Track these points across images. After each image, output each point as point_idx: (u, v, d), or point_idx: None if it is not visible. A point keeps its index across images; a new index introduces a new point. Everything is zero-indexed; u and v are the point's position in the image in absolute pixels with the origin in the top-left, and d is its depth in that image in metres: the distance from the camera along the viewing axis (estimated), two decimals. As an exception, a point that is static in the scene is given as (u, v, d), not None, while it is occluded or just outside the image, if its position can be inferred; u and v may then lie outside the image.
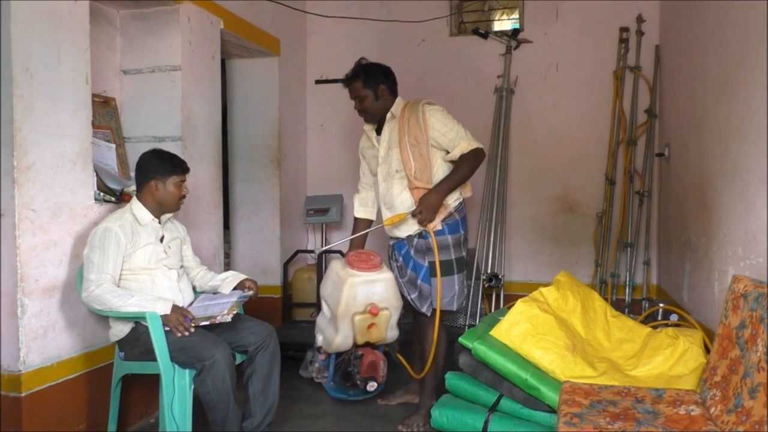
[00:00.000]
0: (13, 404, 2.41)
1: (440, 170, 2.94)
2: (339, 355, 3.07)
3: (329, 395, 3.31)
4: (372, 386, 3.06)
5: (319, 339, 3.08)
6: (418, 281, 2.97)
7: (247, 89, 4.60)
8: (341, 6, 4.86)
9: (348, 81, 2.99)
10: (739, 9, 2.73)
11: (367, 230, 3.20)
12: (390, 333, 3.05)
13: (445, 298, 2.96)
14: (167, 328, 2.48)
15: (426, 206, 2.84)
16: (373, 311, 2.90)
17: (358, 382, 3.06)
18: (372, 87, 2.94)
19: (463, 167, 2.88)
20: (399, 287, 3.05)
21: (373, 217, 3.23)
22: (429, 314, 2.97)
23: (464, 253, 3.03)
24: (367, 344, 3.06)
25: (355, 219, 3.27)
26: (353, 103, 3.05)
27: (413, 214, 2.88)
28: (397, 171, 2.95)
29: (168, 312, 2.48)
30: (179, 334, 2.46)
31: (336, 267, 3.04)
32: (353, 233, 3.25)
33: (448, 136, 2.88)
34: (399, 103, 3.01)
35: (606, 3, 4.61)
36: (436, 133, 2.89)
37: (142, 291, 2.58)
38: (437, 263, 2.89)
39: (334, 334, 2.95)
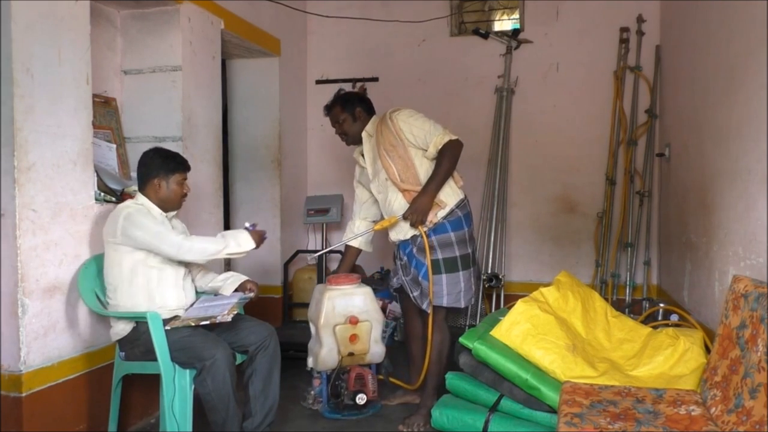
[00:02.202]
0: (14, 404, 2.40)
1: (424, 168, 2.99)
2: (330, 379, 3.12)
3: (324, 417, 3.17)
4: (361, 398, 3.06)
5: (310, 361, 3.16)
6: (419, 278, 3.00)
7: (248, 89, 4.60)
8: (341, 6, 4.87)
9: (328, 109, 3.17)
10: (739, 9, 2.73)
11: (358, 238, 3.24)
12: (375, 347, 3.12)
13: (450, 296, 2.97)
14: (167, 328, 2.48)
15: (414, 209, 2.90)
16: (352, 320, 3.04)
17: (345, 395, 3.07)
18: (350, 111, 3.11)
19: (444, 162, 2.93)
20: (403, 286, 3.10)
21: (361, 246, 3.28)
22: (429, 312, 2.98)
23: (470, 250, 3.05)
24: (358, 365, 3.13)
25: (346, 246, 3.31)
26: None
27: (404, 217, 2.95)
28: (386, 179, 3.04)
29: (255, 244, 2.71)
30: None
31: (318, 288, 3.26)
32: (342, 259, 3.34)
33: (419, 135, 2.96)
34: (374, 121, 3.13)
35: (606, 3, 4.61)
36: (408, 135, 2.97)
37: (148, 286, 2.59)
38: (429, 264, 2.94)
39: (319, 348, 3.04)
